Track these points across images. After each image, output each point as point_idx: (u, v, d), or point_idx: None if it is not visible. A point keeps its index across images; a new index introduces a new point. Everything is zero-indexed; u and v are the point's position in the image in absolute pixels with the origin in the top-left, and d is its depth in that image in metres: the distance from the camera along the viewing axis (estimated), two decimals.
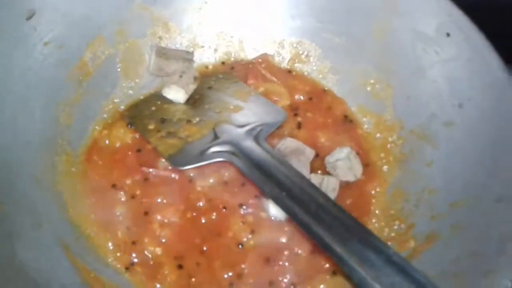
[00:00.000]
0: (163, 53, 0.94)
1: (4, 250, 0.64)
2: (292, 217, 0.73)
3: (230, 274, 0.76)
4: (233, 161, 0.81)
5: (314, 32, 0.99)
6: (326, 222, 0.69)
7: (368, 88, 0.95)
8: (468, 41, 0.82)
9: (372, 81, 0.95)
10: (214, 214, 0.81)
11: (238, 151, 0.82)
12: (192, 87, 0.92)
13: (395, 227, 0.81)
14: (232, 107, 0.91)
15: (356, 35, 0.95)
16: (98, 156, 0.85)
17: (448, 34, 0.84)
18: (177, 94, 0.91)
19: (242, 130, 0.86)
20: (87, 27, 0.88)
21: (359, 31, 0.95)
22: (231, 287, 0.76)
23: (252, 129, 0.86)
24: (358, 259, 0.65)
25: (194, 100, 0.93)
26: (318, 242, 0.69)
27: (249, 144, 0.83)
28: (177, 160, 0.83)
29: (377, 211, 0.85)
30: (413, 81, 0.89)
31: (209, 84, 0.96)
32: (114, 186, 0.82)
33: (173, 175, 0.83)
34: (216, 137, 0.85)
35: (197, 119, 0.89)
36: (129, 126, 0.88)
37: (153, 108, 0.91)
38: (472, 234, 0.70)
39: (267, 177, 0.77)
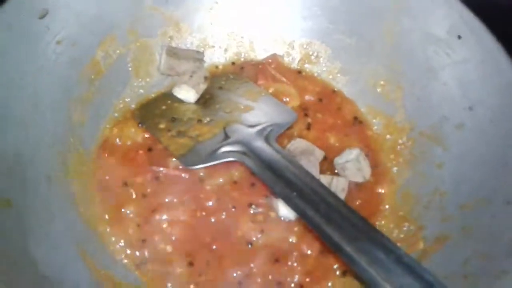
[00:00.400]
0: (173, 53, 0.94)
1: (17, 246, 0.65)
2: (303, 216, 0.73)
3: (239, 272, 0.77)
4: (244, 161, 0.82)
5: (325, 33, 0.99)
6: (336, 222, 0.70)
7: (379, 90, 0.95)
8: (479, 44, 0.82)
9: (382, 82, 0.95)
10: (224, 213, 0.81)
11: (249, 151, 0.82)
12: (203, 86, 0.93)
13: (405, 228, 0.81)
14: (242, 107, 0.91)
15: (366, 36, 0.95)
16: (109, 154, 0.85)
17: (459, 37, 0.84)
18: (187, 93, 0.92)
19: (252, 130, 0.86)
20: (99, 26, 0.88)
21: (369, 32, 0.95)
22: (240, 286, 0.76)
23: (263, 129, 0.86)
24: (368, 259, 0.65)
25: (204, 100, 0.93)
26: (328, 242, 0.70)
27: (260, 144, 0.83)
28: (188, 159, 0.84)
29: (386, 212, 0.85)
30: (423, 83, 0.89)
31: (219, 84, 0.96)
32: (125, 184, 0.82)
33: (183, 175, 0.84)
34: (226, 136, 0.86)
35: (208, 118, 0.89)
36: (140, 125, 0.89)
37: (164, 107, 0.91)
38: (482, 236, 0.70)
39: (277, 177, 0.77)
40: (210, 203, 0.82)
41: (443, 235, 0.75)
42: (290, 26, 1.01)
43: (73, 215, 0.77)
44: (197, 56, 0.96)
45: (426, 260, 0.72)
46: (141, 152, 0.85)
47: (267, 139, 0.84)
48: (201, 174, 0.84)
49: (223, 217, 0.81)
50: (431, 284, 0.62)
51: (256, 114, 0.90)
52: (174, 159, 0.85)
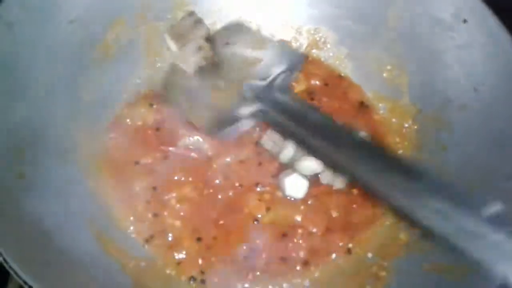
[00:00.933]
0: (176, 34, 0.94)
1: (30, 216, 0.67)
2: (329, 162, 0.77)
3: (244, 248, 0.78)
4: (266, 119, 0.83)
5: (331, 19, 0.99)
6: (363, 159, 0.72)
7: (384, 74, 0.96)
8: (483, 26, 0.83)
9: (388, 67, 0.96)
10: (231, 191, 0.83)
11: (267, 106, 0.83)
12: (195, 59, 0.92)
13: None
14: (251, 61, 0.92)
15: (372, 21, 0.96)
16: (119, 134, 0.87)
17: (465, 20, 0.85)
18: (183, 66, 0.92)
19: (265, 83, 0.87)
20: (110, 8, 0.89)
21: (376, 17, 0.95)
22: (245, 260, 0.78)
23: (274, 79, 0.87)
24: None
25: (214, 63, 0.93)
26: (360, 183, 0.74)
27: (275, 95, 0.84)
28: (214, 130, 0.85)
29: None
30: (428, 66, 0.90)
31: (225, 41, 0.96)
32: (135, 163, 0.84)
33: (192, 154, 0.85)
34: (243, 97, 0.86)
35: (222, 83, 0.90)
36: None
37: (179, 78, 0.91)
38: None
39: (300, 126, 0.78)
40: (217, 181, 0.83)
41: None
42: (298, 11, 1.01)
43: (83, 190, 0.79)
44: (194, 20, 0.95)
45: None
46: (150, 132, 0.87)
47: (281, 89, 0.85)
48: (209, 153, 0.86)
49: (230, 194, 0.82)
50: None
51: (265, 65, 0.91)
52: (183, 139, 0.86)
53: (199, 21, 0.96)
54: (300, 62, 0.93)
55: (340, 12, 0.99)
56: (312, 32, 1.02)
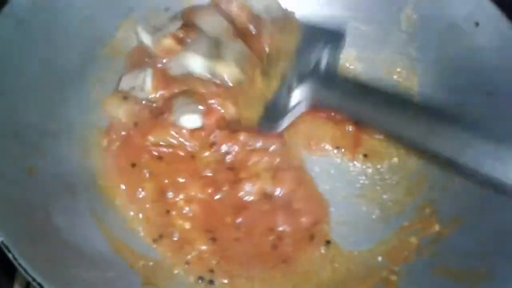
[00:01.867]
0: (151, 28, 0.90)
1: (40, 213, 0.67)
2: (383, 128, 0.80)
3: (270, 238, 0.78)
4: (318, 103, 0.83)
5: (342, 20, 0.99)
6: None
7: (394, 76, 0.96)
8: (496, 31, 0.83)
9: (398, 69, 0.96)
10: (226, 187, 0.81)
11: (317, 89, 0.82)
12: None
13: (420, 212, 0.82)
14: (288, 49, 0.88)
15: (383, 23, 0.96)
16: (116, 134, 0.84)
17: (477, 24, 0.85)
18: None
19: (310, 68, 0.84)
20: (120, 7, 0.89)
21: (386, 19, 0.95)
22: (250, 261, 0.77)
23: (318, 62, 0.85)
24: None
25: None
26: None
27: (322, 77, 0.83)
28: (265, 124, 0.83)
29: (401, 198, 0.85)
30: (439, 70, 0.90)
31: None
32: (133, 165, 0.82)
33: (179, 152, 0.83)
34: (288, 86, 0.84)
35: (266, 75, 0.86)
36: None
37: None
38: (498, 216, 0.71)
39: (352, 101, 0.80)
40: (208, 174, 0.82)
41: (458, 217, 0.75)
42: (307, 13, 1.01)
43: (92, 189, 0.78)
44: (168, 15, 0.92)
45: (442, 241, 0.74)
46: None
47: (327, 70, 0.84)
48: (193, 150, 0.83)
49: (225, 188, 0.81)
50: None
51: (304, 51, 0.87)
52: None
53: (174, 17, 0.93)
54: (340, 38, 0.90)
55: (350, 14, 0.98)
56: None
